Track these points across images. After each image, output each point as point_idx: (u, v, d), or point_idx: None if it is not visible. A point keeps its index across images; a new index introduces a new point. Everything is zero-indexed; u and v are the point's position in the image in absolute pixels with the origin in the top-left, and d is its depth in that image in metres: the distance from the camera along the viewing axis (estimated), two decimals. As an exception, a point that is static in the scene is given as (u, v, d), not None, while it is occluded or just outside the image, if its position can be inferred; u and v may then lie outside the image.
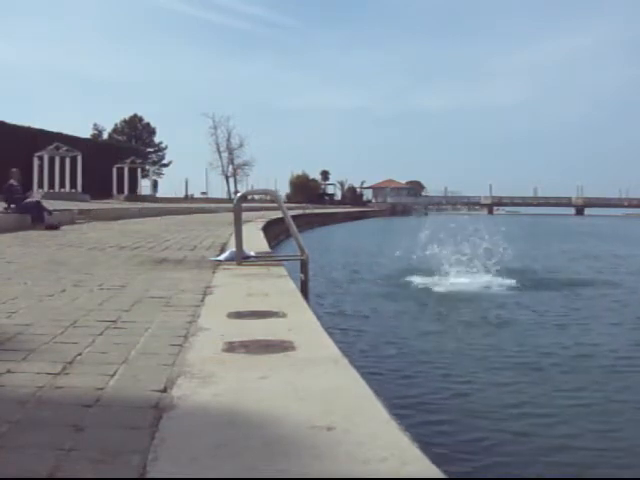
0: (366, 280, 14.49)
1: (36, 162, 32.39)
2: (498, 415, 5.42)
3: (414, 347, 7.89)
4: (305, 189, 77.29)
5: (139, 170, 47.04)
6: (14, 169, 15.01)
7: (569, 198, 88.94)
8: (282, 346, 2.73)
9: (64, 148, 33.91)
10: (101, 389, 2.23)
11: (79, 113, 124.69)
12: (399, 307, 10.81)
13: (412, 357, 7.40)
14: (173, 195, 59.20)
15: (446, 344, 7.96)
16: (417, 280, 13.27)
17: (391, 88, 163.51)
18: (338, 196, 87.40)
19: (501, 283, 13.31)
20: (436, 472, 1.54)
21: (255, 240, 9.78)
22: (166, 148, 79.73)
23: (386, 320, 9.76)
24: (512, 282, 13.20)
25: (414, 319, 9.67)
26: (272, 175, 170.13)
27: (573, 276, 15.32)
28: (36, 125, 39.29)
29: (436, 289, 12.28)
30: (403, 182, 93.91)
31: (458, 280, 13.01)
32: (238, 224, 6.25)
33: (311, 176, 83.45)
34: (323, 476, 1.51)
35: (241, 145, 76.76)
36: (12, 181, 14.45)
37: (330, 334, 3.10)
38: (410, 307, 10.61)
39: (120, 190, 42.69)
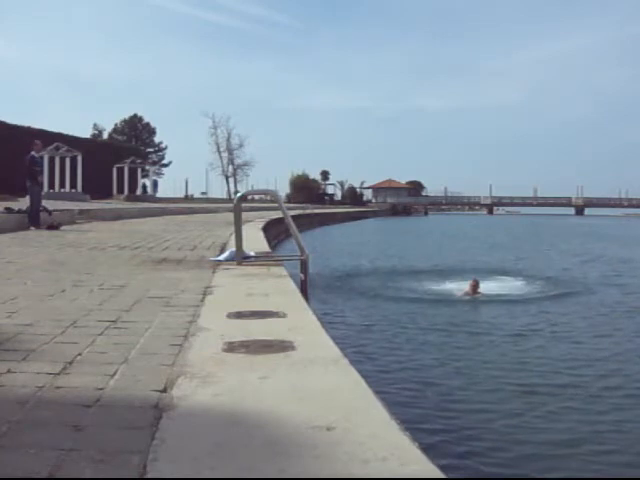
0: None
1: (36, 162, 32.31)
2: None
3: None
4: (305, 189, 77.17)
5: (139, 170, 47.02)
6: (37, 141, 14.62)
7: (569, 198, 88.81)
8: (282, 346, 2.73)
9: (64, 148, 33.88)
10: (101, 389, 2.23)
11: (79, 113, 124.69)
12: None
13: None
14: (173, 195, 59.19)
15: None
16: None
17: (391, 88, 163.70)
18: (338, 196, 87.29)
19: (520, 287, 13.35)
20: (436, 472, 1.54)
21: (255, 240, 9.78)
22: (166, 148, 79.77)
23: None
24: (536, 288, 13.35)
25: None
26: (272, 175, 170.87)
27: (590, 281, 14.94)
28: (36, 125, 39.41)
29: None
30: (403, 182, 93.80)
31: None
32: (238, 224, 6.25)
33: (311, 176, 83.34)
34: (323, 476, 1.51)
35: (241, 145, 76.78)
36: (33, 152, 13.99)
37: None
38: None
39: (120, 190, 42.68)
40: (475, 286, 11.95)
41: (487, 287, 12.48)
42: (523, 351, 8.11)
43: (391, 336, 8.88)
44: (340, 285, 13.72)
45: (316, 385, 2.21)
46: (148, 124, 78.55)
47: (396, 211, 79.91)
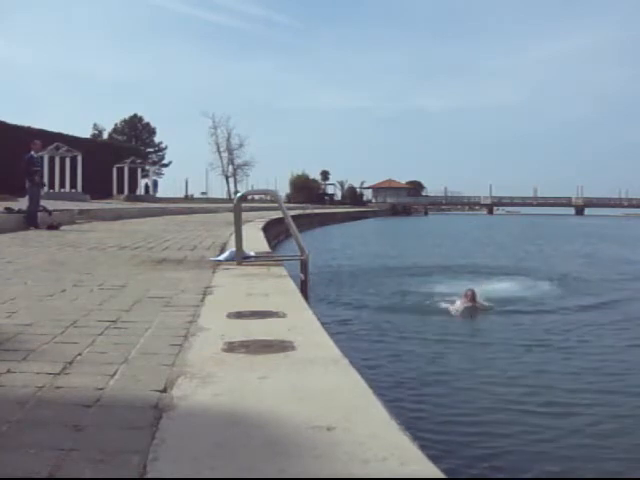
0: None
1: (36, 162, 32.28)
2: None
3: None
4: (305, 189, 77.16)
5: (139, 170, 47.03)
6: (37, 141, 14.64)
7: (569, 198, 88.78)
8: (282, 346, 2.73)
9: (64, 148, 33.89)
10: (101, 389, 2.23)
11: (79, 113, 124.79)
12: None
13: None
14: (173, 195, 59.20)
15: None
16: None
17: (392, 88, 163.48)
18: (338, 196, 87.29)
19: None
20: (436, 472, 1.54)
21: (255, 240, 9.78)
22: (166, 148, 79.82)
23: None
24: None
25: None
26: (272, 175, 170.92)
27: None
28: (36, 125, 39.43)
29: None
30: (403, 182, 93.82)
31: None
32: (238, 224, 6.25)
33: (311, 176, 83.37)
34: (323, 476, 1.51)
35: (241, 145, 76.76)
36: (32, 152, 13.98)
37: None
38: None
39: (120, 190, 42.68)
40: (471, 297, 10.63)
41: (488, 292, 11.59)
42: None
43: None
44: (331, 289, 13.28)
45: (316, 385, 2.21)
46: (148, 124, 78.61)
47: (396, 211, 79.91)
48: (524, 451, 4.90)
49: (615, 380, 6.77)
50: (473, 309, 10.54)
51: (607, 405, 5.91)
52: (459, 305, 10.62)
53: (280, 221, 16.91)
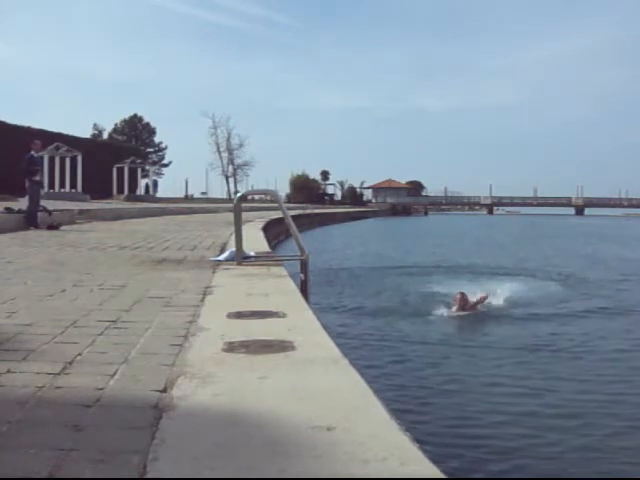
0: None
1: (36, 162, 32.24)
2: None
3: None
4: (305, 189, 77.17)
5: (139, 170, 47.03)
6: (37, 141, 14.73)
7: (569, 198, 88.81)
8: (282, 346, 2.73)
9: (64, 148, 33.90)
10: (101, 389, 2.23)
11: (79, 113, 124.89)
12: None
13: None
14: (173, 195, 59.17)
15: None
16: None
17: (391, 88, 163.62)
18: (338, 196, 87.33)
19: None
20: (436, 472, 1.54)
21: (255, 240, 9.78)
22: (166, 148, 79.87)
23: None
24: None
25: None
26: (272, 175, 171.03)
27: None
28: (36, 125, 39.45)
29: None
30: (403, 182, 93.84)
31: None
32: (238, 224, 6.25)
33: (311, 176, 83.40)
34: (323, 476, 1.51)
35: (241, 145, 76.82)
36: (32, 152, 14.09)
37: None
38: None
39: (120, 190, 42.68)
40: (462, 300, 10.35)
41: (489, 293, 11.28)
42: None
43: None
44: (332, 289, 13.15)
45: (316, 385, 2.20)
46: (148, 124, 78.62)
47: (396, 211, 79.94)
48: (529, 462, 4.84)
49: (625, 387, 6.67)
50: (465, 312, 10.34)
51: (617, 416, 5.81)
52: (451, 308, 10.46)
53: (280, 221, 16.90)
